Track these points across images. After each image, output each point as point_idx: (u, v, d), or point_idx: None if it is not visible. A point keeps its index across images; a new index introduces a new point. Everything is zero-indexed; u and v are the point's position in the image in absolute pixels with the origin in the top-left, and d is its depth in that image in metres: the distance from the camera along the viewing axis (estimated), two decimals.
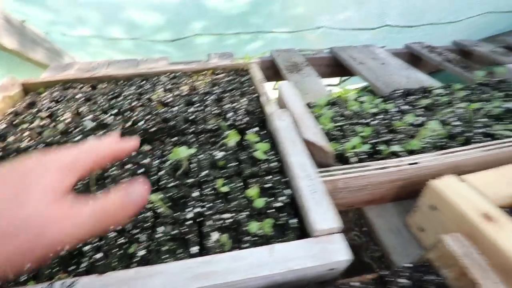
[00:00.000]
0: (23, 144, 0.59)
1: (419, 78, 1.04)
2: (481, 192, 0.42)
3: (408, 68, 1.14)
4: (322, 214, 0.39)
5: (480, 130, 0.61)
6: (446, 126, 0.63)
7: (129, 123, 0.66)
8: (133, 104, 0.74)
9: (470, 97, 0.74)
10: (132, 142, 0.31)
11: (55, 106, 0.74)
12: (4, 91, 0.76)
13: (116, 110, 0.72)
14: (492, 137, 0.59)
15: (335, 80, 1.39)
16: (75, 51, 1.33)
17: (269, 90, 0.75)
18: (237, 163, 0.52)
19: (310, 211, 0.39)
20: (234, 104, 0.71)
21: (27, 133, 0.63)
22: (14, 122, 0.68)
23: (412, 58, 1.39)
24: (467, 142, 0.58)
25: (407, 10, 1.18)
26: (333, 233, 0.38)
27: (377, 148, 0.55)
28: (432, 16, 1.26)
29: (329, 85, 1.58)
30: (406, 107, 0.71)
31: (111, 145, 0.29)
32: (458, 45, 1.47)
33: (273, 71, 1.23)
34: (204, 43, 1.18)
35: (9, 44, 1.23)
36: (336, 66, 1.30)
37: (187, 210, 0.44)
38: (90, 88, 0.85)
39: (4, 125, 0.67)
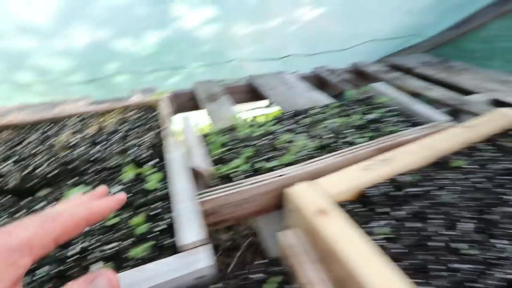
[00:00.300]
0: None
1: (318, 99, 1.22)
2: (324, 192, 0.54)
3: (310, 91, 1.33)
4: (189, 230, 0.46)
5: (344, 140, 0.76)
6: (318, 139, 0.76)
7: (28, 170, 0.67)
8: (35, 150, 0.74)
9: (342, 113, 0.91)
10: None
11: None
12: None
13: (16, 157, 0.71)
14: (352, 144, 0.75)
15: (265, 103, 1.54)
16: None
17: (180, 122, 0.83)
18: (131, 195, 0.57)
19: (180, 229, 0.46)
20: (138, 140, 0.76)
21: None
22: None
23: (318, 81, 1.62)
24: (333, 151, 0.72)
25: (304, 41, 1.40)
26: (199, 246, 0.45)
27: (258, 166, 0.66)
28: (326, 45, 1.50)
29: (257, 108, 1.73)
30: (293, 126, 0.85)
31: (86, 207, 0.25)
32: (354, 66, 1.76)
33: (194, 102, 1.32)
34: (123, 82, 1.22)
35: None
36: (252, 93, 1.45)
37: (71, 247, 0.48)
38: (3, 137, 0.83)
39: None
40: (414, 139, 0.73)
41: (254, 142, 0.75)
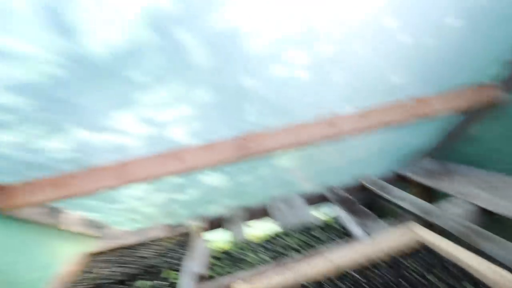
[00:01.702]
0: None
1: (306, 216, 1.65)
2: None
3: (303, 208, 1.77)
4: None
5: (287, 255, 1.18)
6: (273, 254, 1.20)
7: (126, 271, 1.32)
8: (130, 259, 1.42)
9: (303, 235, 1.33)
10: None
11: (101, 265, 1.44)
12: (75, 261, 1.50)
13: (122, 265, 1.39)
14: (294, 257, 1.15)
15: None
16: (113, 224, 2.18)
17: (203, 240, 1.41)
18: (166, 283, 1.12)
19: None
20: (176, 254, 1.36)
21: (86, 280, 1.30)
22: (79, 277, 1.36)
23: (321, 197, 2.05)
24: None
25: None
26: None
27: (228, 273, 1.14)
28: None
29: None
30: (268, 245, 1.31)
31: None
32: (359, 182, 2.13)
33: (221, 223, 1.93)
34: (184, 213, 1.97)
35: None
36: (265, 213, 1.99)
37: None
38: (115, 252, 1.57)
39: (75, 277, 1.36)
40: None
41: (233, 258, 1.24)
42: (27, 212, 1.55)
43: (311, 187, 1.93)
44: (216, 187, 1.71)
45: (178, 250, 1.39)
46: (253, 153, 1.33)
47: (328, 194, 1.99)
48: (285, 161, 1.54)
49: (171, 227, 1.97)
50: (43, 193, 1.34)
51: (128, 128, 1.08)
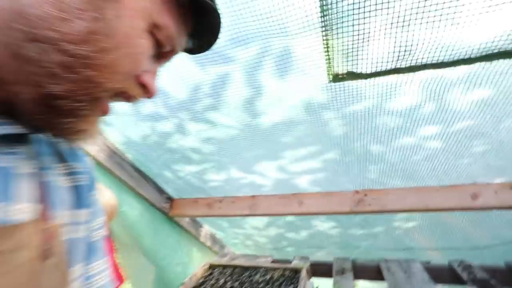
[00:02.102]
0: None
1: None
2: None
3: (427, 282, 1.56)
4: None
5: None
6: None
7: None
8: (244, 280, 1.68)
9: None
10: None
11: (219, 276, 1.79)
12: (202, 266, 1.91)
13: (238, 282, 1.67)
14: None
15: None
16: (229, 245, 2.59)
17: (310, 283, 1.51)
18: None
19: None
20: (284, 286, 1.51)
21: (208, 286, 1.66)
22: (203, 280, 1.74)
23: (451, 274, 1.72)
24: None
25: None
26: None
27: None
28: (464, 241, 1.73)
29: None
30: None
31: None
32: (508, 265, 1.68)
33: (328, 271, 1.94)
34: (291, 251, 2.14)
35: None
36: (375, 272, 1.86)
37: None
38: (232, 269, 1.89)
39: (201, 281, 1.74)
40: None
41: None
42: (182, 220, 2.11)
43: (437, 258, 1.70)
44: (327, 233, 1.80)
45: (288, 283, 1.54)
46: (371, 210, 1.37)
47: (460, 271, 1.68)
48: (408, 224, 1.48)
49: (278, 260, 2.15)
50: (199, 210, 1.82)
51: (267, 173, 1.40)
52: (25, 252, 0.27)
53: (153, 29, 0.31)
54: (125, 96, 0.33)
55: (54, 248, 0.30)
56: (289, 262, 1.99)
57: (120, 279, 1.43)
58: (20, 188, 0.28)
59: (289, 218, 1.76)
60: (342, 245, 1.94)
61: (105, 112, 0.32)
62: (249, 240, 2.27)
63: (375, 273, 2.00)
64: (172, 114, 1.09)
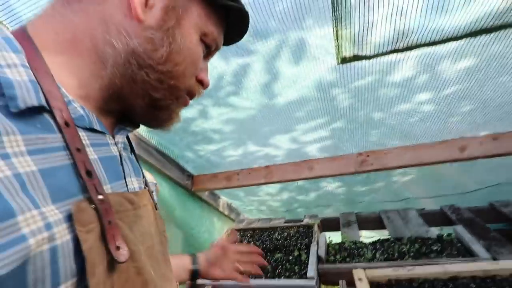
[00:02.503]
0: None
1: (421, 231, 1.74)
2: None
3: (422, 225, 1.83)
4: (310, 271, 1.35)
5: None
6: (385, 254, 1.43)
7: (265, 245, 1.84)
8: (263, 239, 1.94)
9: (418, 242, 1.49)
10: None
11: (242, 238, 2.05)
12: (225, 232, 2.17)
13: (260, 241, 1.93)
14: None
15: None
16: (244, 212, 2.86)
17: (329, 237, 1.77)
18: (295, 260, 1.55)
19: (309, 270, 1.37)
20: (302, 241, 1.77)
21: None
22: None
23: (443, 217, 2.00)
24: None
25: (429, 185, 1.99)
26: (313, 277, 1.32)
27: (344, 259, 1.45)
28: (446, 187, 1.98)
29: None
30: (378, 247, 1.54)
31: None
32: (491, 206, 1.95)
33: (336, 225, 2.22)
34: (302, 211, 2.40)
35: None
36: (378, 223, 2.14)
37: None
38: (251, 232, 2.16)
39: None
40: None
41: (348, 251, 1.54)
42: (202, 194, 2.33)
43: (430, 205, 1.96)
44: (333, 193, 2.03)
45: (303, 237, 1.80)
46: (373, 168, 1.57)
47: (449, 214, 1.95)
48: (405, 178, 1.70)
49: (290, 220, 2.43)
50: (219, 183, 2.03)
51: (280, 145, 1.57)
52: (149, 205, 0.43)
53: (203, 37, 0.41)
54: (191, 93, 0.45)
55: (155, 204, 0.47)
56: (301, 221, 2.26)
57: None
58: (129, 167, 0.42)
59: (300, 182, 1.97)
60: (347, 202, 2.19)
61: (185, 105, 0.45)
62: (263, 205, 2.52)
63: (377, 223, 2.29)
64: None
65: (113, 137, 0.40)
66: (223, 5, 0.41)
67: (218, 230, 2.58)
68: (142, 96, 0.38)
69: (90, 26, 0.35)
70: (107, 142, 0.37)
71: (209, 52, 0.45)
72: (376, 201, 2.02)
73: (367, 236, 2.51)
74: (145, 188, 0.46)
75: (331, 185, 1.96)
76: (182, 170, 2.01)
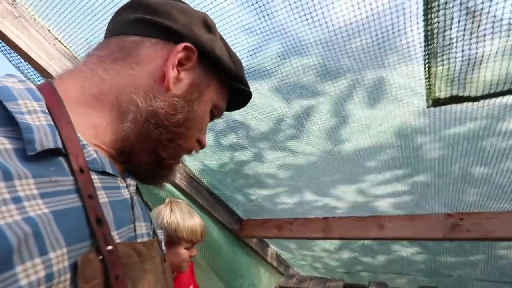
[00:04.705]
0: None
1: None
2: None
3: None
4: None
5: None
6: None
7: None
8: None
9: None
10: None
11: None
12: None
13: None
14: None
15: None
16: (294, 266, 2.54)
17: None
18: None
19: None
20: None
21: None
22: None
23: None
24: None
25: None
26: None
27: None
28: None
29: None
30: None
31: None
32: None
33: None
34: (365, 276, 1.99)
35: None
36: None
37: None
38: None
39: None
40: None
41: None
42: (250, 241, 2.15)
43: None
44: (410, 260, 1.64)
45: None
46: (470, 237, 1.20)
47: None
48: None
49: (350, 285, 2.02)
50: (269, 232, 1.84)
51: (343, 196, 1.35)
52: (158, 258, 0.41)
53: (213, 108, 0.47)
54: (189, 151, 0.48)
55: (163, 255, 0.45)
56: (364, 287, 1.85)
57: None
58: (139, 211, 0.41)
59: (366, 242, 1.65)
60: (428, 273, 1.73)
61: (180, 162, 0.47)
62: (318, 262, 2.20)
63: None
64: (251, 144, 1.14)
65: (125, 180, 0.40)
66: (236, 87, 0.47)
67: (264, 284, 2.31)
68: (151, 153, 0.40)
69: (119, 85, 0.37)
70: (118, 185, 0.38)
71: (211, 119, 0.50)
72: (471, 278, 1.54)
73: None
74: (154, 237, 0.45)
75: (407, 250, 1.58)
76: (231, 213, 1.90)
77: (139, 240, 0.38)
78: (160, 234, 0.49)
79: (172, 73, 0.38)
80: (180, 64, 0.39)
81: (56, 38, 0.95)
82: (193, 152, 0.49)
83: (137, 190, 0.47)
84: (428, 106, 0.75)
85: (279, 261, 2.56)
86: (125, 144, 0.39)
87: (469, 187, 1.05)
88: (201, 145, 0.49)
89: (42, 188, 0.26)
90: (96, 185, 0.33)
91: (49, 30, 0.93)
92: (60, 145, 0.29)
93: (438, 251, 1.49)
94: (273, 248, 2.37)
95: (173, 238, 0.99)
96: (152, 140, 0.39)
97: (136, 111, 0.37)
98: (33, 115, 0.28)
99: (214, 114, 0.49)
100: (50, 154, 0.28)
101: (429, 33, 0.58)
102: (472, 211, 1.22)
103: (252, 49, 0.74)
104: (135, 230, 0.39)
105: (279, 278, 2.38)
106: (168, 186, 1.49)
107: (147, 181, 0.45)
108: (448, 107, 0.74)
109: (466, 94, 0.67)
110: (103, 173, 0.36)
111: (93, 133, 0.36)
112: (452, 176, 1.00)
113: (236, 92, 0.50)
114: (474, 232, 1.22)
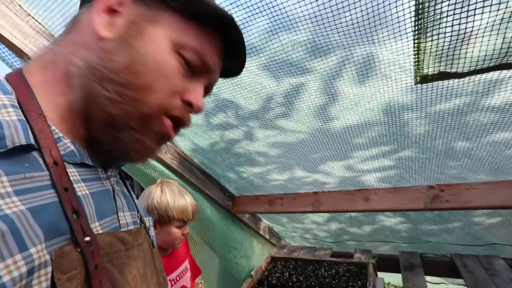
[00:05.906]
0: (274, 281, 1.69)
1: None
2: None
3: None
4: None
5: None
6: None
7: (309, 282, 1.63)
8: (309, 273, 1.72)
9: None
10: None
11: (283, 269, 1.86)
12: (265, 259, 2.01)
13: (303, 276, 1.72)
14: None
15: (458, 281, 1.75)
16: (286, 238, 2.66)
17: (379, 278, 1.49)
18: None
19: None
20: (353, 283, 1.52)
21: (274, 278, 1.74)
22: (268, 273, 1.83)
23: None
24: None
25: None
26: None
27: None
28: None
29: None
30: None
31: None
32: None
33: (395, 267, 1.88)
34: (352, 243, 2.12)
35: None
36: (447, 268, 1.75)
37: None
38: (294, 263, 1.95)
39: (266, 273, 1.84)
40: None
41: None
42: (243, 216, 2.22)
43: None
44: (393, 229, 1.74)
45: (355, 279, 1.54)
46: (449, 207, 1.28)
47: None
48: (491, 219, 1.35)
49: (338, 253, 2.15)
50: (261, 207, 1.90)
51: (332, 172, 1.39)
52: (146, 244, 0.42)
53: (179, 49, 0.37)
54: (176, 117, 0.38)
55: (152, 242, 0.46)
56: (350, 255, 1.97)
57: (198, 271, 1.58)
58: (122, 201, 0.41)
59: (353, 214, 1.73)
60: (410, 240, 1.85)
61: (166, 130, 0.38)
62: (308, 233, 2.31)
63: (447, 268, 1.88)
64: (241, 123, 1.14)
65: (106, 171, 0.40)
66: (198, 14, 0.37)
67: (258, 255, 2.42)
68: (98, 108, 0.34)
69: (65, 53, 0.36)
70: (99, 177, 0.38)
71: (197, 71, 0.39)
72: (447, 243, 1.66)
73: (432, 282, 2.09)
74: (140, 224, 0.45)
75: (390, 220, 1.67)
76: (224, 190, 1.94)
77: (123, 229, 0.39)
78: (148, 221, 0.48)
79: (98, 18, 0.35)
80: (112, 10, 0.36)
81: (29, 15, 0.88)
82: (178, 115, 0.38)
83: (122, 179, 0.47)
84: (416, 83, 0.75)
85: (271, 234, 2.67)
86: (83, 116, 0.35)
87: (451, 161, 1.10)
88: (191, 106, 0.39)
89: (17, 185, 0.26)
90: (74, 177, 0.32)
91: (20, 6, 0.86)
92: (32, 140, 0.29)
93: (419, 220, 1.58)
94: (265, 222, 2.46)
95: (164, 218, 1.00)
96: (100, 99, 0.34)
97: (76, 72, 0.35)
98: (2, 110, 0.28)
99: (188, 60, 0.37)
100: (23, 150, 0.28)
101: (420, 6, 0.56)
102: (453, 183, 1.29)
103: (239, 25, 0.71)
104: (118, 220, 0.39)
105: (272, 249, 2.51)
106: (160, 166, 1.49)
107: (125, 156, 0.38)
108: (435, 83, 0.74)
109: (454, 70, 0.68)
110: (83, 165, 0.35)
111: (59, 116, 0.34)
112: (435, 150, 1.04)
113: (219, 29, 0.40)
114: (453, 202, 1.29)
